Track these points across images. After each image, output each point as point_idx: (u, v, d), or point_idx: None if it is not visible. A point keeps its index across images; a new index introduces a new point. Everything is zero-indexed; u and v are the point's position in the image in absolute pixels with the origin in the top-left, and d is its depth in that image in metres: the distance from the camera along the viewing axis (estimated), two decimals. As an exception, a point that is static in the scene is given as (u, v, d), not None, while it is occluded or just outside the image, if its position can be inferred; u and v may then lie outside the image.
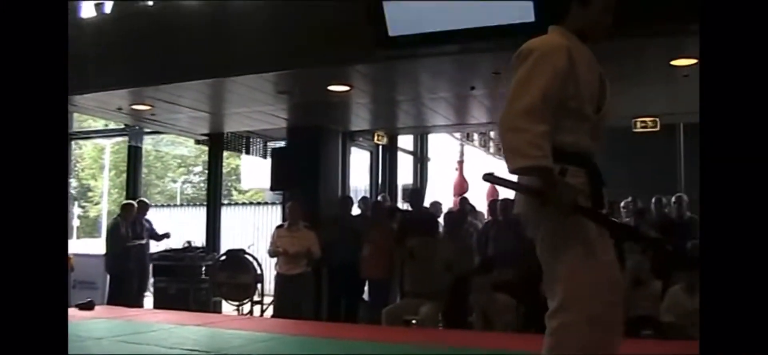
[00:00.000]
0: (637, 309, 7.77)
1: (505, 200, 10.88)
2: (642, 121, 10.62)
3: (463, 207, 11.54)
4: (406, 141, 13.86)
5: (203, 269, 11.90)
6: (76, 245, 18.86)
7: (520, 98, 3.22)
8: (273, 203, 16.32)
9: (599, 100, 3.48)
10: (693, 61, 7.44)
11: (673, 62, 7.70)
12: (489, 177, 3.59)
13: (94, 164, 33.11)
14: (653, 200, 10.62)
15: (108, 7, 9.18)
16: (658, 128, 10.85)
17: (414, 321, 9.01)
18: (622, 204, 10.51)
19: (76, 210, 30.91)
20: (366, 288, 10.66)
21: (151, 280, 11.93)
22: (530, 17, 6.54)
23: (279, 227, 9.94)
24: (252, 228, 15.58)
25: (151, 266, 11.89)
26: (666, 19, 6.72)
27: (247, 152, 13.44)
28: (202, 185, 27.76)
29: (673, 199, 10.56)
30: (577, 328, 3.20)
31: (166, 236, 12.21)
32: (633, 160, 17.02)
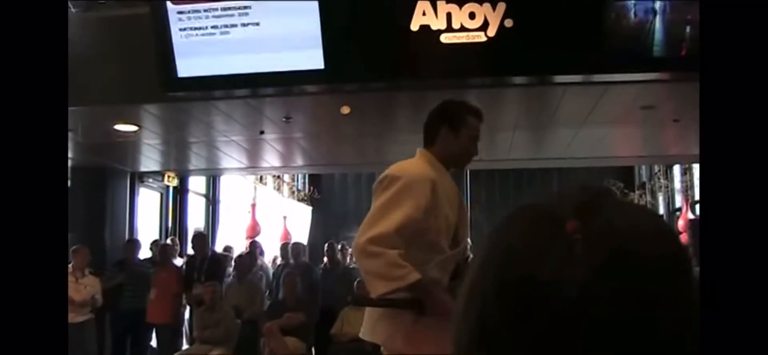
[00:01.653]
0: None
1: (297, 244, 10.98)
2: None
3: (254, 250, 11.50)
4: (197, 183, 13.65)
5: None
6: None
7: (374, 226, 3.17)
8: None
9: (457, 233, 3.47)
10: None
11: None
12: (356, 300, 3.45)
13: None
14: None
15: None
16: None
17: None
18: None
19: None
20: (154, 334, 10.37)
21: None
22: (320, 64, 6.70)
23: (60, 272, 9.44)
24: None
25: None
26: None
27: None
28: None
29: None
30: None
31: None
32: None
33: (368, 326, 3.43)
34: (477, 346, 0.70)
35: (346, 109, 7.83)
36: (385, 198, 3.24)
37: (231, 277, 10.02)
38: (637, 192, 14.43)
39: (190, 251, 11.72)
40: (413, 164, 3.45)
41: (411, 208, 3.20)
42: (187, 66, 7.01)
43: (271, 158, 11.08)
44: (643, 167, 15.36)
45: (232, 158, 10.94)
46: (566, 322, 0.63)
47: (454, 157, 3.54)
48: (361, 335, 3.52)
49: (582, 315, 0.63)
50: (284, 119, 8.27)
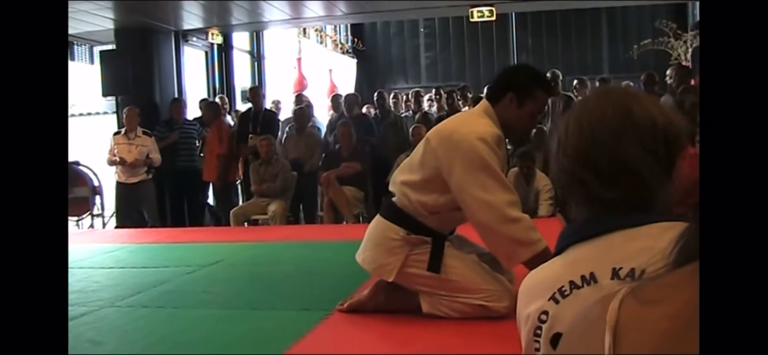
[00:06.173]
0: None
1: (351, 95, 10.84)
2: (479, 11, 10.67)
3: (305, 103, 11.42)
4: (241, 39, 13.48)
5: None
6: None
7: (500, 191, 3.26)
8: (105, 113, 15.59)
9: None
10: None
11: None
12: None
13: None
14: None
15: None
16: (494, 18, 10.98)
17: (260, 221, 8.92)
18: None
19: None
20: (210, 191, 10.46)
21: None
22: None
23: (116, 133, 9.47)
24: (85, 139, 14.85)
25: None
26: None
27: (72, 59, 12.67)
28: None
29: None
30: None
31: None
32: (469, 49, 17.41)
33: (366, 253, 3.64)
34: None
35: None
36: (486, 160, 3.27)
37: (288, 130, 9.96)
38: (690, 33, 13.84)
39: (239, 106, 11.67)
40: (485, 125, 3.41)
41: (498, 165, 3.31)
42: None
43: (314, 6, 10.84)
44: (697, 6, 14.79)
45: (274, 9, 10.71)
46: None
47: (510, 128, 3.49)
48: (357, 258, 3.69)
49: None
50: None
